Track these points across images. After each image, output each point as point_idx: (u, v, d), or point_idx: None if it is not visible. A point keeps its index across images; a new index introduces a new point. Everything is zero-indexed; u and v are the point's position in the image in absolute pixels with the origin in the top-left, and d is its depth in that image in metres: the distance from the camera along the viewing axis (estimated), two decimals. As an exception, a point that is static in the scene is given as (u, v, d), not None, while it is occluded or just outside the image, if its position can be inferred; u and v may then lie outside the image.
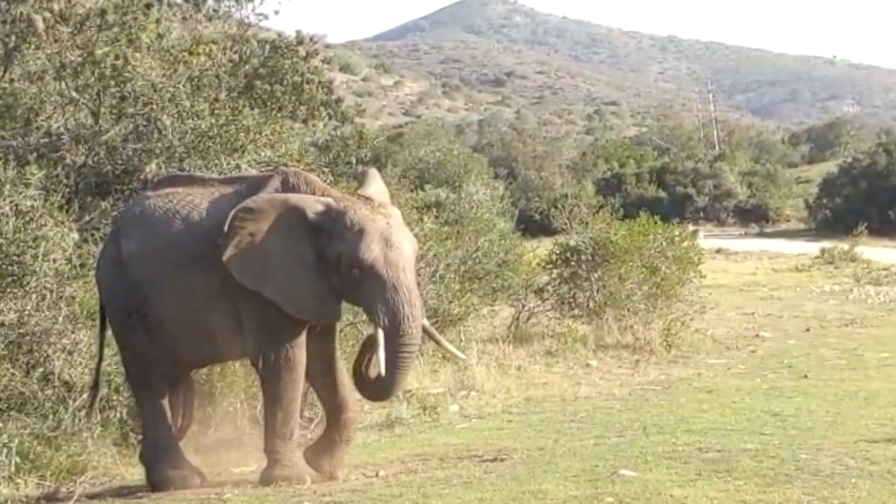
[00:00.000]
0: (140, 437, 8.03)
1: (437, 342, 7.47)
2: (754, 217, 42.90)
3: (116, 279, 7.29)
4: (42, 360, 8.09)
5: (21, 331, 8.06)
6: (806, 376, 11.02)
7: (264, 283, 6.72)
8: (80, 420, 7.98)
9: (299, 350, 6.81)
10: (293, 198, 6.84)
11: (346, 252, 6.62)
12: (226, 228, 6.68)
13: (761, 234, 38.98)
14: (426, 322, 7.04)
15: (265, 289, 6.72)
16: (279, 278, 6.73)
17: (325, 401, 7.20)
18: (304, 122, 12.03)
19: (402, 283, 6.61)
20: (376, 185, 7.14)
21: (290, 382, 6.78)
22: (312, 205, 6.78)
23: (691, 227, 23.62)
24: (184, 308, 7.01)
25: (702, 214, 43.60)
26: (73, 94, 10.04)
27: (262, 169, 8.49)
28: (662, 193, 43.85)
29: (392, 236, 6.66)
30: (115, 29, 10.07)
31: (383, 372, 6.61)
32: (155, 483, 7.10)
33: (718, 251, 28.55)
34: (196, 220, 6.99)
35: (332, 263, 6.70)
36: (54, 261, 8.35)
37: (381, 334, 6.58)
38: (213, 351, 7.18)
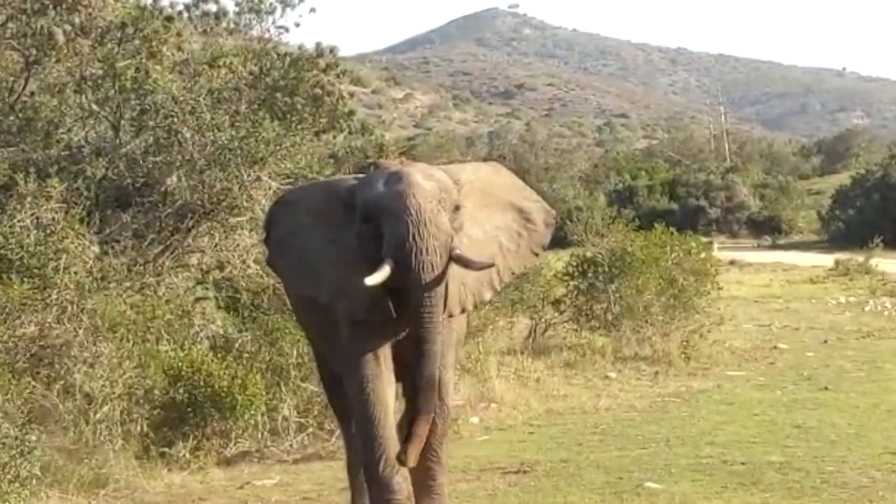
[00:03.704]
0: (160, 449, 8.09)
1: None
2: (767, 229, 42.71)
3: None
4: (63, 372, 8.07)
5: (42, 343, 8.06)
6: (826, 388, 10.98)
7: (315, 283, 5.74)
8: (101, 433, 7.97)
9: (370, 364, 5.67)
10: (329, 180, 6.14)
11: (359, 211, 5.55)
12: (262, 230, 6.16)
13: (774, 246, 38.83)
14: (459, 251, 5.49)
15: (315, 289, 5.75)
16: (325, 274, 5.68)
17: None
18: (323, 133, 12.05)
19: (409, 208, 5.35)
20: (452, 166, 6.08)
21: (361, 403, 5.72)
22: (347, 182, 5.84)
23: (704, 239, 23.51)
24: (305, 319, 6.46)
25: (714, 226, 43.43)
26: (94, 106, 10.08)
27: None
28: (674, 205, 43.76)
29: (400, 172, 5.53)
30: (136, 42, 10.12)
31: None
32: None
33: (732, 263, 28.39)
34: None
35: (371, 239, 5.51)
36: (75, 273, 8.36)
37: (385, 268, 5.33)
38: None
